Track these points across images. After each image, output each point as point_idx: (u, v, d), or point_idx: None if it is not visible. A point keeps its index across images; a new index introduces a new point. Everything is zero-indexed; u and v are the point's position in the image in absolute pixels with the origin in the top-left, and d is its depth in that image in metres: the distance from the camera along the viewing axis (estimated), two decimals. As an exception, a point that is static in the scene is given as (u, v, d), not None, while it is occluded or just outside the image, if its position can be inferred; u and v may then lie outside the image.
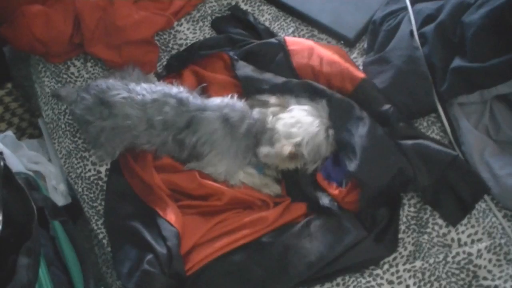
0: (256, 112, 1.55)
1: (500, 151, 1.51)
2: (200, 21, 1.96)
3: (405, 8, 1.73)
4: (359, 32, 1.83)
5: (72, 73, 1.83)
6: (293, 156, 1.47)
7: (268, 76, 1.66)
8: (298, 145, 1.47)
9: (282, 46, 1.71)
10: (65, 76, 1.82)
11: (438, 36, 1.59)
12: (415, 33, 1.63)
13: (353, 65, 1.69)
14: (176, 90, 1.55)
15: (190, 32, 1.93)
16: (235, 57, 1.72)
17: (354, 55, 1.80)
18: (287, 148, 1.46)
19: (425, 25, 1.65)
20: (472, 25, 1.51)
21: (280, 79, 1.64)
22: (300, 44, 1.72)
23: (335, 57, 1.66)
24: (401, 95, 1.57)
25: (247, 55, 1.73)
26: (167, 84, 1.61)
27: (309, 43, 1.73)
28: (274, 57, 1.70)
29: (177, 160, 1.59)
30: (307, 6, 1.90)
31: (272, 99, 1.57)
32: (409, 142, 1.50)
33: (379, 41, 1.72)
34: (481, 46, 1.51)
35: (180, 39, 1.91)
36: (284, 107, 1.55)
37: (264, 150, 1.51)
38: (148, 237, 1.43)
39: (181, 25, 1.94)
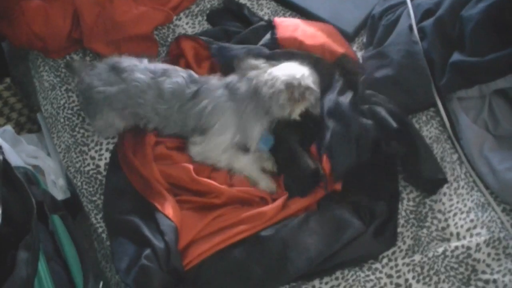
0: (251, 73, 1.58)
1: (499, 146, 1.52)
2: (199, 15, 1.96)
3: (404, 2, 1.74)
4: (358, 26, 1.84)
5: (71, 68, 1.82)
6: (302, 91, 1.49)
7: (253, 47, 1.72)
8: (301, 78, 1.50)
9: (270, 24, 1.78)
10: (63, 70, 1.81)
11: (437, 30, 1.59)
12: (414, 27, 1.64)
13: (338, 41, 1.73)
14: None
15: (189, 26, 1.93)
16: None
17: (353, 49, 1.80)
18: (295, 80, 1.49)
19: (424, 19, 1.65)
20: (471, 19, 1.51)
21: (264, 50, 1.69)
22: (287, 21, 1.79)
23: (319, 33, 1.72)
24: (400, 89, 1.57)
25: (240, 42, 1.76)
26: None
27: (297, 21, 1.80)
28: (263, 36, 1.76)
29: (179, 136, 1.60)
30: (306, 1, 1.90)
31: (262, 62, 1.60)
32: (366, 106, 1.55)
33: (378, 36, 1.72)
34: (480, 40, 1.51)
35: (179, 33, 1.90)
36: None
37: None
38: (146, 232, 1.43)
39: (180, 19, 1.94)
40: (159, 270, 1.35)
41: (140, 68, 1.57)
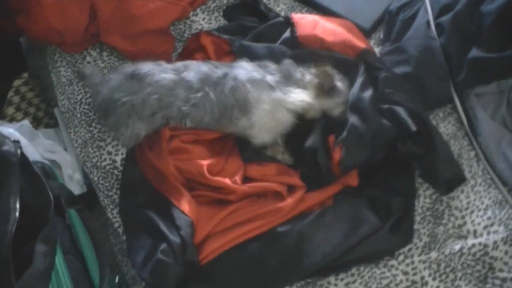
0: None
1: (517, 142, 1.50)
2: (216, 11, 1.96)
3: (422, -3, 1.72)
4: (375, 22, 1.83)
5: (88, 63, 1.83)
6: (332, 86, 1.51)
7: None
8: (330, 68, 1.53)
9: (288, 21, 1.77)
10: (81, 65, 1.83)
11: (455, 26, 1.58)
12: (432, 23, 1.63)
13: (359, 36, 1.73)
14: None
15: (205, 22, 1.93)
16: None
17: (371, 45, 1.79)
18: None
19: (442, 15, 1.64)
20: (489, 14, 1.50)
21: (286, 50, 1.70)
22: (305, 18, 1.78)
23: (339, 29, 1.71)
24: (417, 85, 1.56)
25: (257, 38, 1.76)
26: None
27: (315, 17, 1.79)
28: (282, 33, 1.75)
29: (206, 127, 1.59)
30: (324, -4, 1.90)
31: None
32: (386, 106, 1.53)
33: (396, 31, 1.71)
34: (498, 36, 1.50)
35: (196, 29, 1.91)
36: None
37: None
38: (162, 226, 1.43)
39: (196, 15, 1.94)
40: (175, 264, 1.35)
41: (161, 69, 1.56)
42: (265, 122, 1.53)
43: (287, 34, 1.74)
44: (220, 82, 1.53)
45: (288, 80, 1.53)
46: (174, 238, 1.39)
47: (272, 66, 1.57)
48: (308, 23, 1.74)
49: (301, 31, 1.71)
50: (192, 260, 1.37)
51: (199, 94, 1.52)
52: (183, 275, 1.37)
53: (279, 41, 1.74)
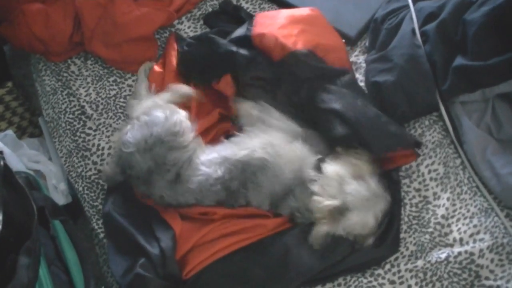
0: None
1: (502, 150, 1.51)
2: (201, 19, 1.95)
3: (407, 6, 1.73)
4: (360, 30, 1.83)
5: (73, 72, 1.82)
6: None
7: None
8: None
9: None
10: (65, 74, 1.81)
11: (440, 34, 1.59)
12: (417, 31, 1.63)
13: (319, 29, 1.70)
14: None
15: (190, 30, 1.92)
16: None
17: (356, 53, 1.80)
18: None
19: (427, 23, 1.64)
20: (474, 23, 1.51)
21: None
22: (267, 16, 1.73)
23: (296, 25, 1.67)
24: (402, 93, 1.56)
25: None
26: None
27: (279, 12, 1.75)
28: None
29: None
30: (308, 4, 1.88)
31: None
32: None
33: (381, 40, 1.72)
34: (483, 44, 1.50)
35: (181, 37, 1.90)
36: None
37: None
38: (141, 240, 1.42)
39: (182, 23, 1.94)
40: (155, 278, 1.34)
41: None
42: None
43: (241, 31, 1.70)
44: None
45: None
46: (153, 250, 1.38)
47: None
48: (266, 21, 1.68)
49: (256, 30, 1.64)
50: (172, 273, 1.36)
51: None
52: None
53: (231, 37, 1.70)
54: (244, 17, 1.89)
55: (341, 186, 1.40)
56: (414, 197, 1.50)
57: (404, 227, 1.47)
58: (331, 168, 1.43)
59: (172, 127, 1.46)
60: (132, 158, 1.44)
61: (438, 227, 1.45)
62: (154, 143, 1.44)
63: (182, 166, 1.45)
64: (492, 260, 1.38)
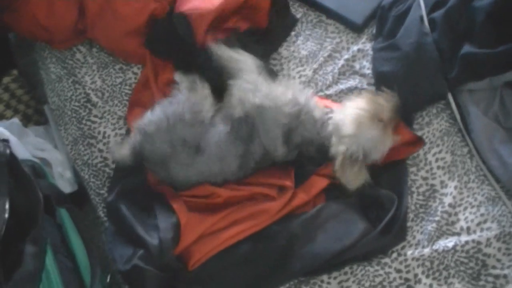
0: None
1: (510, 138, 1.50)
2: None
3: (414, -7, 1.71)
4: (367, 17, 1.81)
5: (78, 59, 1.81)
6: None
7: None
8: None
9: None
10: (70, 62, 1.80)
11: (448, 22, 1.57)
12: (425, 18, 1.61)
13: None
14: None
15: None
16: None
17: (363, 40, 1.77)
18: None
19: (435, 10, 1.63)
20: (481, 10, 1.50)
21: None
22: None
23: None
24: (410, 81, 1.55)
25: None
26: None
27: None
28: None
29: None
30: (314, -9, 1.88)
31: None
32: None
33: (388, 27, 1.70)
34: (490, 32, 1.49)
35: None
36: None
37: None
38: (142, 231, 1.42)
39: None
40: (152, 270, 1.35)
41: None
42: None
43: None
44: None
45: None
46: (152, 240, 1.38)
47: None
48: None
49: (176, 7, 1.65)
50: (169, 262, 1.37)
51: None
52: (162, 279, 1.36)
53: None
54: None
55: (358, 128, 1.42)
56: (421, 185, 1.50)
57: (411, 215, 1.46)
58: (352, 104, 1.47)
59: (193, 106, 1.48)
60: (153, 138, 1.45)
61: (445, 215, 1.44)
62: (174, 122, 1.45)
63: (201, 138, 1.46)
64: (499, 249, 1.37)
